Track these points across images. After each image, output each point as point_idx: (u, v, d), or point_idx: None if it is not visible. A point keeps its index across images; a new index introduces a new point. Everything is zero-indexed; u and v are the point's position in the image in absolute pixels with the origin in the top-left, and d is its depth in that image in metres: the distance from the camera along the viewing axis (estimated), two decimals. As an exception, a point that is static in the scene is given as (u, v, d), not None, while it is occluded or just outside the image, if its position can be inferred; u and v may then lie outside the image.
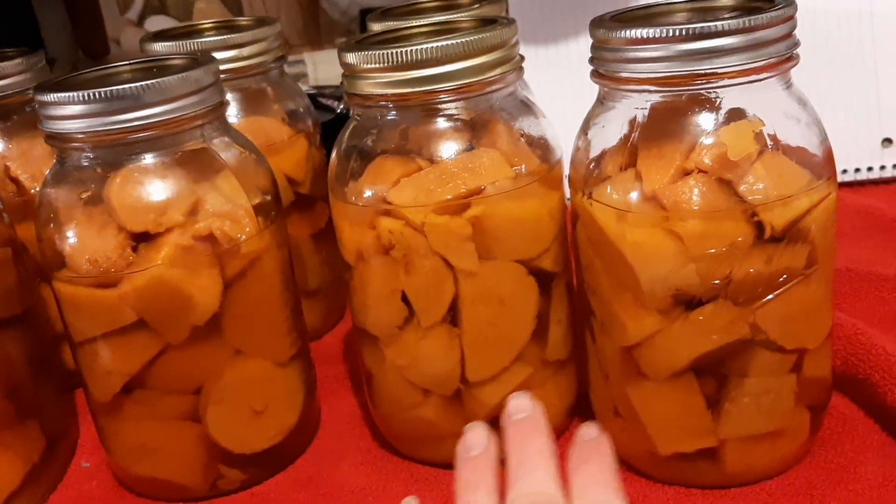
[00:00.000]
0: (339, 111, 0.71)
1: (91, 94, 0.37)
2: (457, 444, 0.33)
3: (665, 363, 0.36)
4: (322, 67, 1.01)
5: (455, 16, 0.48)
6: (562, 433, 0.43)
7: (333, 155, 0.41)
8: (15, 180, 0.50)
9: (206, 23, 0.55)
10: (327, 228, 0.57)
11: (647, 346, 0.36)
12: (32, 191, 0.50)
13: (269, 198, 0.42)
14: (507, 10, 0.52)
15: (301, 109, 0.54)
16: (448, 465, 0.41)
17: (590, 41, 0.36)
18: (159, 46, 0.50)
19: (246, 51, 0.50)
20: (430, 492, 0.41)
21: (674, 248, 0.34)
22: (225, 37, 0.50)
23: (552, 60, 0.66)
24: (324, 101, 0.71)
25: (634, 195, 0.35)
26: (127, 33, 0.94)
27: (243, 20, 0.54)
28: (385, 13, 0.52)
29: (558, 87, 0.60)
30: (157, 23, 0.93)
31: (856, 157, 0.64)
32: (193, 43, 0.50)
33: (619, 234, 0.35)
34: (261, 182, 0.41)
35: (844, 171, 0.64)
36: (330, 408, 0.48)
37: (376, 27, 0.50)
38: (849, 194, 0.62)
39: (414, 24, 0.43)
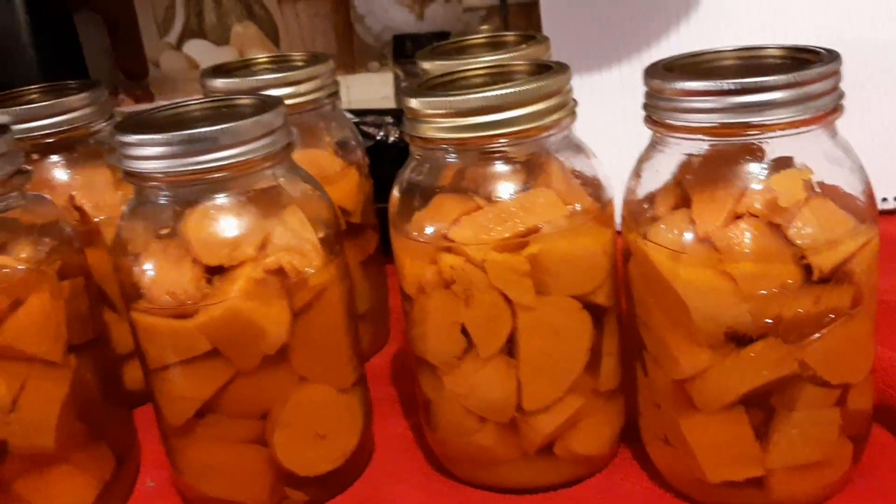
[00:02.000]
0: (379, 138, 0.74)
1: (171, 136, 0.39)
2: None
3: (716, 396, 0.38)
4: (355, 90, 1.04)
5: (507, 56, 0.50)
6: (610, 460, 0.45)
7: (394, 191, 0.43)
8: (79, 209, 0.53)
9: (261, 58, 0.57)
10: (375, 255, 0.60)
11: (699, 380, 0.38)
12: (96, 220, 0.53)
13: (332, 231, 0.44)
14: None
15: (352, 141, 0.56)
16: (501, 489, 0.44)
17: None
18: (220, 83, 0.52)
19: (302, 87, 0.52)
20: (485, 514, 0.43)
21: (727, 288, 0.36)
22: (282, 74, 0.52)
23: (585, 93, 0.68)
24: (365, 128, 0.73)
25: (688, 236, 0.37)
26: (166, 56, 0.96)
27: (297, 56, 0.56)
28: (434, 51, 0.54)
29: (590, 117, 0.62)
30: (195, 46, 0.96)
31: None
32: (253, 80, 0.52)
33: (673, 274, 0.37)
34: (324, 216, 0.44)
35: (884, 200, 0.66)
36: (382, 430, 0.50)
37: (426, 66, 0.52)
38: (888, 223, 0.64)
39: (468, 65, 0.45)
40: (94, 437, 0.45)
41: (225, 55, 0.95)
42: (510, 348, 0.41)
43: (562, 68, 0.40)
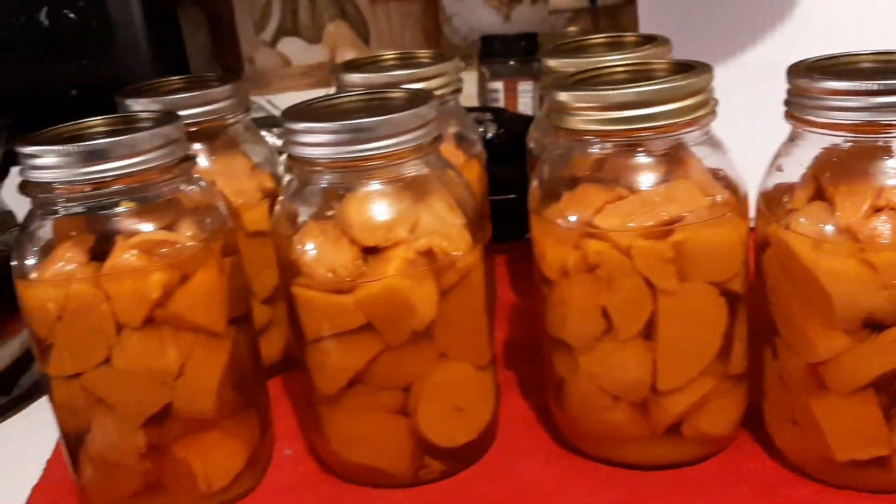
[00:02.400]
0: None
1: (337, 125, 0.42)
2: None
3: (849, 379, 0.40)
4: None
5: (633, 56, 0.52)
6: (732, 441, 0.47)
7: (535, 180, 0.46)
8: (221, 194, 0.56)
9: (388, 55, 0.60)
10: (488, 244, 0.62)
11: (834, 363, 0.40)
12: (235, 204, 0.56)
13: (475, 217, 0.46)
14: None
15: (472, 135, 0.59)
16: (628, 465, 0.46)
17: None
18: (355, 77, 0.55)
19: (431, 84, 0.55)
20: (616, 488, 0.45)
21: (867, 276, 0.38)
22: (412, 70, 0.55)
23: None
24: (467, 124, 0.76)
25: (829, 227, 0.39)
26: (261, 53, 1.00)
27: (423, 54, 0.59)
28: (557, 49, 0.57)
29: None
30: (289, 44, 1.00)
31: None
32: (384, 76, 0.55)
33: (815, 262, 0.39)
34: (468, 203, 0.46)
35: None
36: (502, 411, 0.53)
37: (552, 63, 0.55)
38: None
39: (606, 63, 0.48)
40: (245, 405, 0.48)
41: (317, 53, 0.98)
42: (648, 331, 0.43)
43: (706, 67, 0.42)
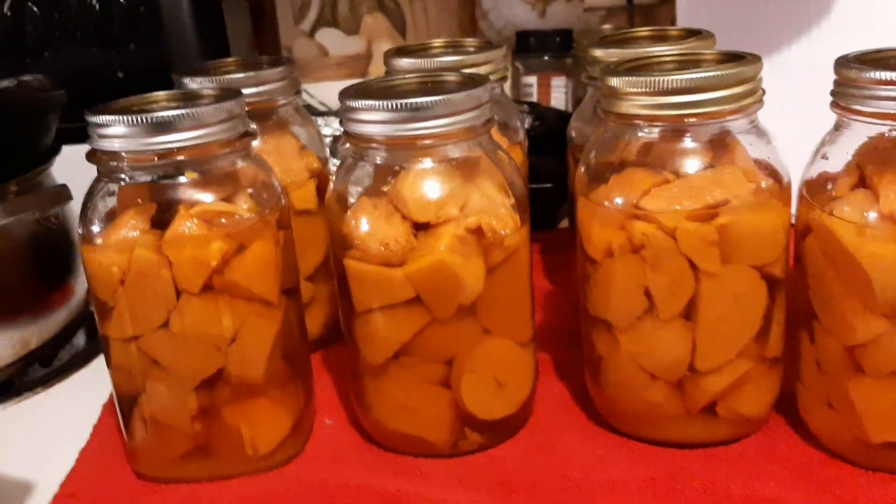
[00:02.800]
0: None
1: (393, 104, 0.44)
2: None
3: (887, 362, 0.41)
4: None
5: (680, 48, 0.54)
6: (765, 424, 0.48)
7: (583, 164, 0.47)
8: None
9: (436, 42, 0.62)
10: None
11: (872, 346, 0.41)
12: (284, 183, 0.57)
13: (522, 198, 0.48)
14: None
15: (516, 122, 0.60)
16: (662, 443, 0.47)
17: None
18: (405, 62, 0.57)
19: (480, 70, 0.56)
20: (650, 465, 0.46)
21: (910, 261, 0.39)
22: (459, 58, 0.57)
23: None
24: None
25: (873, 214, 0.40)
26: (299, 43, 1.02)
27: (470, 42, 0.61)
28: (602, 41, 0.58)
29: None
30: (327, 35, 1.01)
31: None
32: (431, 61, 0.57)
33: (858, 247, 0.40)
34: (517, 184, 0.48)
35: None
36: (539, 389, 0.54)
37: (598, 53, 0.56)
38: None
39: (655, 53, 0.49)
40: (292, 375, 0.50)
41: (354, 44, 1.00)
42: (689, 312, 0.44)
43: (755, 58, 0.44)
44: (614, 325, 0.46)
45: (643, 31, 0.59)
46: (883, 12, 0.71)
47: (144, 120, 0.44)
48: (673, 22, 0.78)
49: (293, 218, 0.57)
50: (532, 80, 0.95)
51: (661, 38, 0.58)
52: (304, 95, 1.01)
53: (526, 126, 0.79)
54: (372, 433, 0.51)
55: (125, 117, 0.44)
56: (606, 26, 0.96)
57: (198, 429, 0.48)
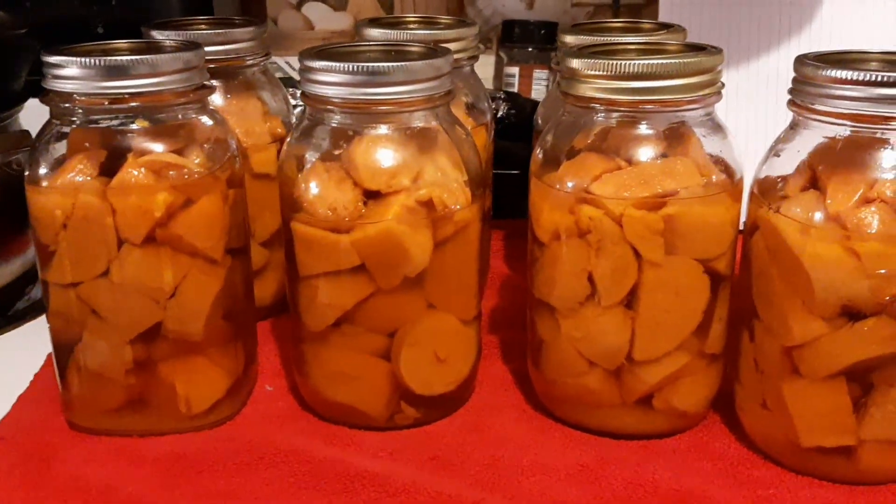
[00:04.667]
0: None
1: (352, 66, 0.43)
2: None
3: (823, 365, 0.41)
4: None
5: (659, 38, 0.54)
6: (701, 420, 0.48)
7: (538, 146, 0.47)
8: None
9: (410, 17, 0.61)
10: (488, 213, 0.63)
11: (808, 348, 0.41)
12: (245, 144, 0.57)
13: (477, 175, 0.47)
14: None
15: (483, 104, 0.60)
16: (597, 431, 0.47)
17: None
18: (376, 32, 0.56)
19: (450, 46, 0.56)
20: (582, 452, 0.46)
21: (851, 264, 0.39)
22: (430, 31, 0.56)
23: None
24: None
25: (819, 214, 0.40)
26: (285, 14, 1.01)
27: (443, 18, 0.60)
28: (575, 27, 0.58)
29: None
30: (313, 8, 1.01)
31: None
32: (403, 33, 0.56)
33: (801, 247, 0.40)
34: (473, 161, 0.47)
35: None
36: (481, 371, 0.54)
37: (569, 39, 0.56)
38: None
39: (620, 40, 0.49)
40: (233, 336, 0.49)
41: (341, 20, 0.99)
42: (630, 300, 0.44)
43: (716, 50, 0.43)
44: (557, 309, 0.46)
45: (616, 22, 0.59)
46: (864, 20, 0.71)
47: (98, 62, 0.43)
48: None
49: (252, 181, 0.57)
50: (514, 70, 0.94)
51: (633, 30, 0.58)
52: (286, 67, 1.00)
53: (501, 113, 0.79)
54: (309, 401, 0.50)
55: (79, 59, 0.43)
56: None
57: (132, 382, 0.47)
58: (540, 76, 0.93)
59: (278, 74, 1.00)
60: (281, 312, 0.61)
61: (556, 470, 0.44)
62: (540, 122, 0.60)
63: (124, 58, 0.44)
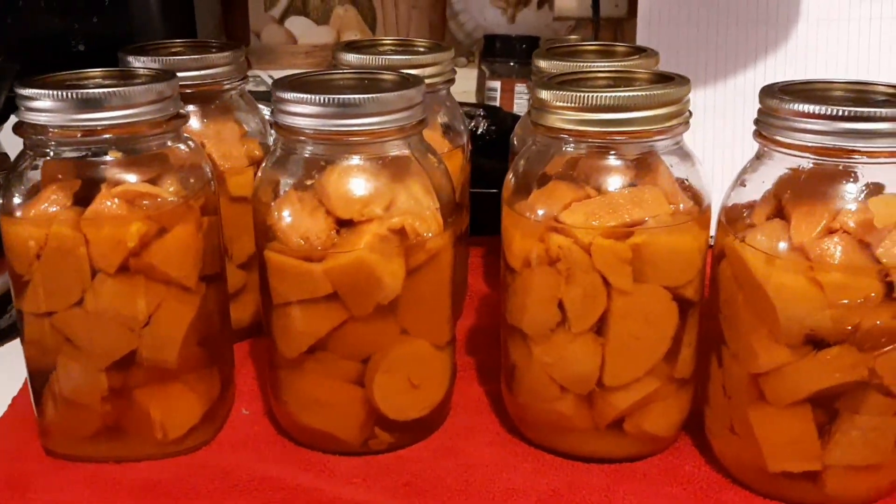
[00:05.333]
0: (469, 128, 0.78)
1: (324, 98, 0.44)
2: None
3: (788, 392, 0.42)
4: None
5: (622, 64, 0.54)
6: (672, 443, 0.49)
7: (510, 173, 0.47)
8: (209, 157, 0.57)
9: (388, 40, 0.62)
10: (464, 234, 0.64)
11: (774, 375, 0.42)
12: (222, 168, 0.57)
13: (449, 202, 0.48)
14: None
15: (459, 126, 0.60)
16: (569, 455, 0.48)
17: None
18: (352, 58, 0.57)
19: (425, 71, 0.56)
20: (553, 476, 0.47)
21: (814, 294, 0.40)
22: (409, 56, 0.57)
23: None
24: (459, 117, 0.78)
25: (783, 244, 0.41)
26: (268, 29, 1.01)
27: (420, 42, 0.61)
28: (549, 52, 0.59)
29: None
30: (296, 23, 1.01)
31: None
32: (380, 58, 0.57)
33: (766, 276, 0.41)
34: (445, 188, 0.48)
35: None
36: (457, 393, 0.54)
37: (543, 64, 0.56)
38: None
39: (591, 68, 0.49)
40: (208, 362, 0.50)
41: (324, 34, 1.00)
42: (600, 327, 0.45)
43: (683, 80, 0.44)
44: (529, 334, 0.47)
45: (591, 45, 0.60)
46: (838, 43, 0.71)
47: (71, 95, 0.44)
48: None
49: (229, 204, 0.57)
50: (496, 84, 0.95)
51: (606, 53, 0.58)
52: (269, 81, 1.00)
53: (481, 130, 0.79)
54: (285, 426, 0.50)
55: (52, 92, 0.44)
56: (573, 37, 0.96)
57: (108, 409, 0.48)
58: (522, 90, 0.94)
59: (261, 88, 1.00)
60: (260, 333, 0.61)
61: (527, 495, 0.45)
62: (516, 142, 0.61)
63: (97, 90, 0.44)
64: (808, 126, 0.40)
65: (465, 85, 1.02)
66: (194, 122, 0.57)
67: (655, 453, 0.48)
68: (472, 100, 1.01)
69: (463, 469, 0.47)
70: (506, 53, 0.95)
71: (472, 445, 0.49)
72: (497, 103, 0.95)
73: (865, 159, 0.39)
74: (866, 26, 0.72)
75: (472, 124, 0.78)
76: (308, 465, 0.48)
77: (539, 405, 0.48)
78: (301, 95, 0.44)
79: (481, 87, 0.99)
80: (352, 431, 0.48)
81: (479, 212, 0.68)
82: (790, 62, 0.74)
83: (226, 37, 1.01)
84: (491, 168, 0.75)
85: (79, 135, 0.44)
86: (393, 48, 0.60)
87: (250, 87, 0.64)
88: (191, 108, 0.57)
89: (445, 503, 0.44)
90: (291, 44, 1.01)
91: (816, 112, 0.39)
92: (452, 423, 0.51)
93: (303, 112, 0.44)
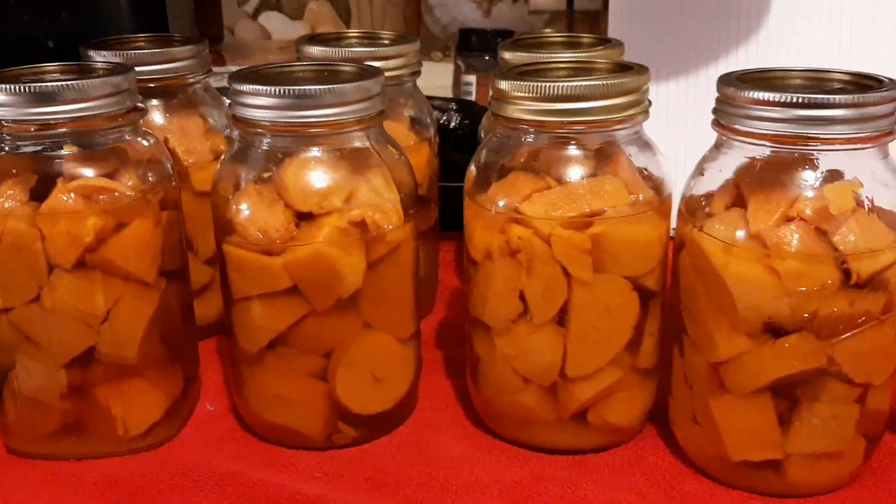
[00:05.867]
0: (442, 122, 0.78)
1: (281, 90, 0.43)
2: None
3: (748, 381, 0.42)
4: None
5: (585, 55, 0.54)
6: (637, 434, 0.48)
7: (472, 165, 0.47)
8: (172, 152, 0.57)
9: (352, 33, 0.61)
10: (433, 228, 0.64)
11: (734, 364, 0.42)
12: (186, 163, 0.57)
13: (410, 195, 0.48)
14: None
15: (426, 119, 0.60)
16: (534, 447, 0.47)
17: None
18: (315, 50, 0.56)
19: (389, 63, 0.56)
20: (518, 468, 0.46)
21: (771, 282, 0.40)
22: (373, 49, 0.56)
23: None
24: (431, 111, 0.77)
25: (741, 233, 0.40)
26: (241, 24, 1.01)
27: (385, 34, 0.60)
28: (515, 43, 0.58)
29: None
30: (270, 18, 1.01)
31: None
32: (343, 51, 0.56)
33: (724, 265, 0.41)
34: (406, 181, 0.47)
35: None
36: (426, 387, 0.54)
37: (507, 55, 0.56)
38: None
39: (552, 59, 0.49)
40: (170, 358, 0.49)
41: (298, 29, 0.99)
42: (561, 318, 0.44)
43: (642, 69, 0.44)
44: (491, 326, 0.46)
45: (557, 36, 0.59)
46: (807, 32, 0.71)
47: (25, 89, 0.43)
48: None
49: (194, 199, 0.57)
50: (472, 78, 0.95)
51: (572, 45, 0.58)
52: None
53: (454, 123, 0.79)
54: (248, 422, 0.50)
55: (5, 86, 0.43)
56: (548, 30, 0.96)
57: (68, 406, 0.47)
58: (496, 84, 0.93)
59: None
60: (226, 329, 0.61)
61: (490, 488, 0.45)
62: (483, 135, 0.60)
63: (52, 84, 0.43)
64: (765, 114, 0.39)
65: (441, 79, 1.02)
66: (157, 117, 0.57)
67: (620, 444, 0.48)
68: (450, 94, 1.01)
69: (427, 462, 0.47)
70: (481, 48, 0.95)
71: (438, 439, 0.49)
72: (473, 98, 0.95)
73: (822, 146, 0.39)
74: (836, 18, 0.72)
75: (445, 118, 0.78)
76: (270, 460, 0.47)
77: (503, 397, 0.47)
78: (257, 87, 0.44)
79: (457, 82, 0.99)
80: (315, 426, 0.48)
81: (450, 206, 0.68)
82: (761, 53, 0.74)
83: (199, 33, 1.00)
84: (464, 162, 0.74)
85: (33, 129, 0.44)
86: (358, 40, 0.60)
87: (224, 82, 0.64)
88: (154, 102, 0.57)
89: (408, 496, 0.44)
90: (265, 39, 1.00)
91: (772, 100, 0.39)
92: (418, 416, 0.51)
93: (259, 104, 0.44)
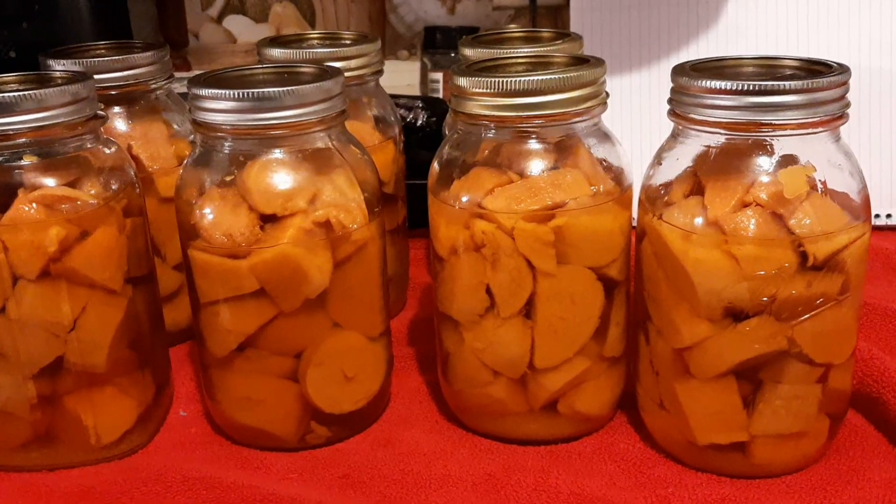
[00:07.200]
0: (408, 120, 0.78)
1: (240, 93, 0.43)
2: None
3: (711, 365, 0.42)
4: (385, 77, 1.09)
5: (545, 49, 0.54)
6: (607, 422, 0.49)
7: (435, 162, 0.47)
8: (135, 158, 0.57)
9: (314, 34, 0.61)
10: (401, 226, 0.64)
11: (697, 349, 0.42)
12: (150, 169, 0.57)
13: (374, 194, 0.48)
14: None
15: (390, 118, 0.60)
16: (506, 439, 0.48)
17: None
18: (277, 52, 0.56)
19: (351, 63, 0.56)
20: (490, 461, 0.47)
21: (730, 267, 0.40)
22: (334, 49, 0.57)
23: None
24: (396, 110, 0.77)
25: (699, 220, 0.41)
26: (206, 28, 1.00)
27: (347, 34, 0.61)
28: (475, 39, 0.59)
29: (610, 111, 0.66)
30: (234, 21, 1.00)
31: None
32: (307, 52, 0.56)
33: (683, 252, 0.41)
34: (369, 180, 0.48)
35: (877, 217, 0.71)
36: (398, 384, 0.54)
37: (468, 52, 0.56)
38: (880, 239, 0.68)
39: (511, 54, 0.50)
40: (140, 364, 0.49)
41: (263, 32, 0.99)
42: (528, 310, 0.45)
43: (598, 62, 0.44)
44: (459, 321, 0.47)
45: (517, 32, 0.60)
46: (771, 20, 0.72)
47: (-19, 100, 0.43)
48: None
49: (160, 206, 0.57)
50: (438, 76, 0.95)
51: (532, 40, 0.59)
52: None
53: (420, 121, 0.79)
54: (221, 426, 0.50)
55: (-38, 97, 0.43)
56: (513, 25, 0.96)
57: (38, 417, 0.47)
58: (463, 81, 0.94)
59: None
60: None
61: (463, 481, 0.45)
62: (447, 132, 0.61)
63: (9, 94, 0.43)
64: (718, 102, 0.40)
65: (408, 78, 1.02)
66: (120, 124, 0.57)
67: (590, 433, 0.48)
68: (417, 92, 1.01)
69: (399, 458, 0.47)
70: (447, 45, 0.95)
71: (410, 435, 0.49)
72: (440, 95, 0.95)
73: (775, 132, 0.40)
74: (793, 5, 0.73)
75: (412, 116, 0.78)
76: (244, 463, 0.47)
77: (473, 391, 0.48)
78: (217, 91, 0.44)
79: (424, 80, 0.99)
80: (288, 427, 0.48)
81: (419, 204, 0.68)
82: (721, 42, 0.75)
83: (163, 38, 0.99)
84: (428, 160, 0.75)
85: (-10, 140, 0.44)
86: (319, 41, 0.60)
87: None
88: (116, 109, 0.57)
89: (382, 493, 0.44)
90: (231, 43, 1.00)
91: (725, 88, 0.40)
92: (391, 413, 0.52)
93: (220, 108, 0.44)
